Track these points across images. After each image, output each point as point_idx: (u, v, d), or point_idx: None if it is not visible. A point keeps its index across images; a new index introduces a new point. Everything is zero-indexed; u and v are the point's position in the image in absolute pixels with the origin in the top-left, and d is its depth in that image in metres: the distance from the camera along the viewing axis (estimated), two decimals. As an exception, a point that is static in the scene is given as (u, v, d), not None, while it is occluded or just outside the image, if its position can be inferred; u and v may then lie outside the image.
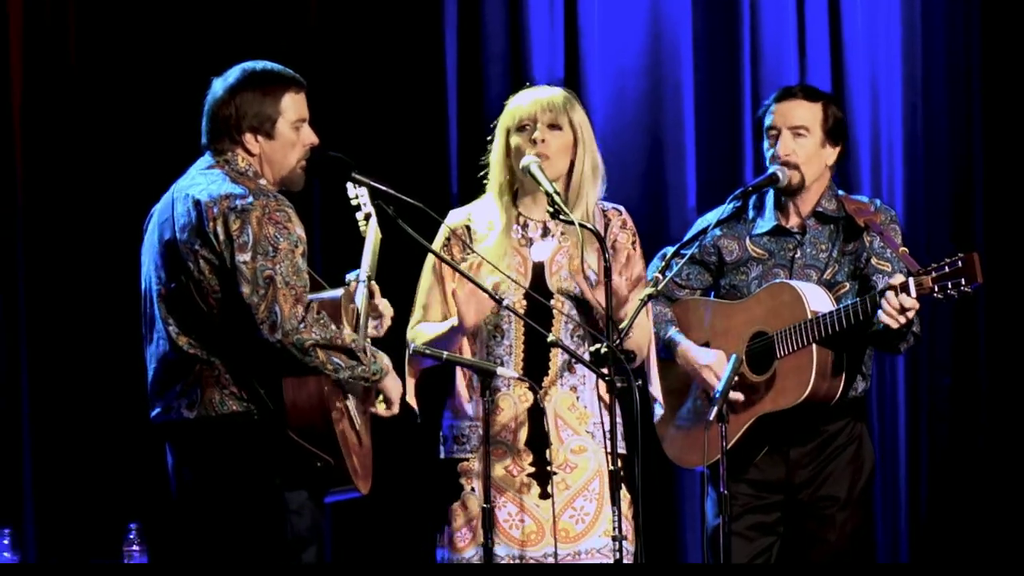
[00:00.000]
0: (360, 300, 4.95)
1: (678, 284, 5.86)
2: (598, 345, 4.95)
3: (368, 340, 4.93)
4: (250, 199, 4.68)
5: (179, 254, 4.71)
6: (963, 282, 5.29)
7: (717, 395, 5.29)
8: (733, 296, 5.78)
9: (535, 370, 5.27)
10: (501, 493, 5.23)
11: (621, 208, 5.45)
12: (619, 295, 5.05)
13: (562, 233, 5.35)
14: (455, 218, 5.40)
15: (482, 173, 5.43)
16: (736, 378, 5.40)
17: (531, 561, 5.22)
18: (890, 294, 5.36)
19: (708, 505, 5.70)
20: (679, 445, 5.82)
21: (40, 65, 7.12)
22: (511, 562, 5.20)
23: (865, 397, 5.78)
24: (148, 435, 4.94)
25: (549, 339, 5.09)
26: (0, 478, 7.02)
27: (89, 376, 7.02)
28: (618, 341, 4.95)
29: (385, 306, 5.06)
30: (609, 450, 5.10)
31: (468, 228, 5.38)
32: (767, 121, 5.74)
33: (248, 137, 4.81)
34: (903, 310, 5.36)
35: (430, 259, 5.33)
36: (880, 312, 5.37)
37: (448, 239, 5.35)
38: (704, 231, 5.75)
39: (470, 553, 5.24)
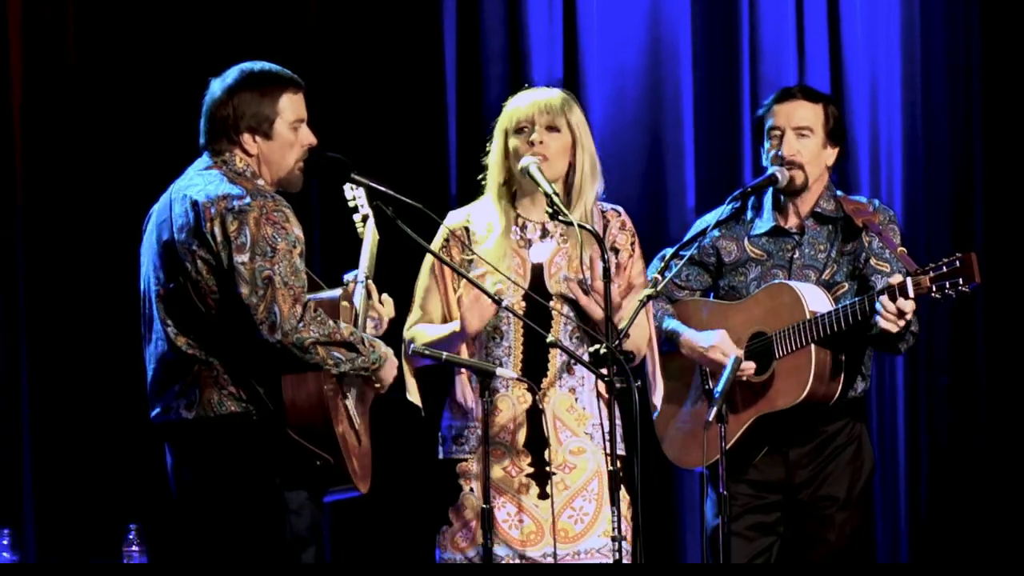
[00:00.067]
0: (358, 301, 4.95)
1: (677, 285, 5.86)
2: (597, 346, 4.95)
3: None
4: (247, 199, 4.68)
5: (177, 255, 4.71)
6: (961, 282, 5.29)
7: (717, 395, 5.29)
8: (732, 297, 5.78)
9: (534, 371, 5.27)
10: (500, 494, 5.23)
11: (620, 209, 5.45)
12: (612, 303, 5.04)
13: (561, 234, 5.35)
14: (454, 219, 5.40)
15: (481, 175, 5.43)
16: (737, 377, 5.41)
17: (530, 561, 5.22)
18: (886, 299, 5.35)
19: (707, 506, 5.70)
20: (678, 446, 5.82)
21: (40, 65, 7.13)
22: (510, 562, 5.20)
23: (865, 397, 5.77)
24: (148, 435, 4.95)
25: (549, 340, 5.09)
26: (0, 478, 7.02)
27: (89, 376, 7.03)
28: (617, 342, 4.95)
29: (387, 308, 5.05)
30: (608, 451, 5.10)
31: (467, 229, 5.38)
32: (769, 122, 5.73)
33: (246, 137, 4.81)
34: (900, 315, 5.36)
35: (428, 259, 5.33)
36: (877, 317, 5.37)
37: (447, 240, 5.35)
38: (703, 232, 5.75)
39: (469, 554, 5.24)
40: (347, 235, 5.16)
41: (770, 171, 5.71)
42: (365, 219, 5.09)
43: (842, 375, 5.57)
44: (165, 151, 6.02)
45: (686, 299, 5.85)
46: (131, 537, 6.12)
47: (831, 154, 5.76)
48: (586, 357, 5.08)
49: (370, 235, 5.07)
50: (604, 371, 4.92)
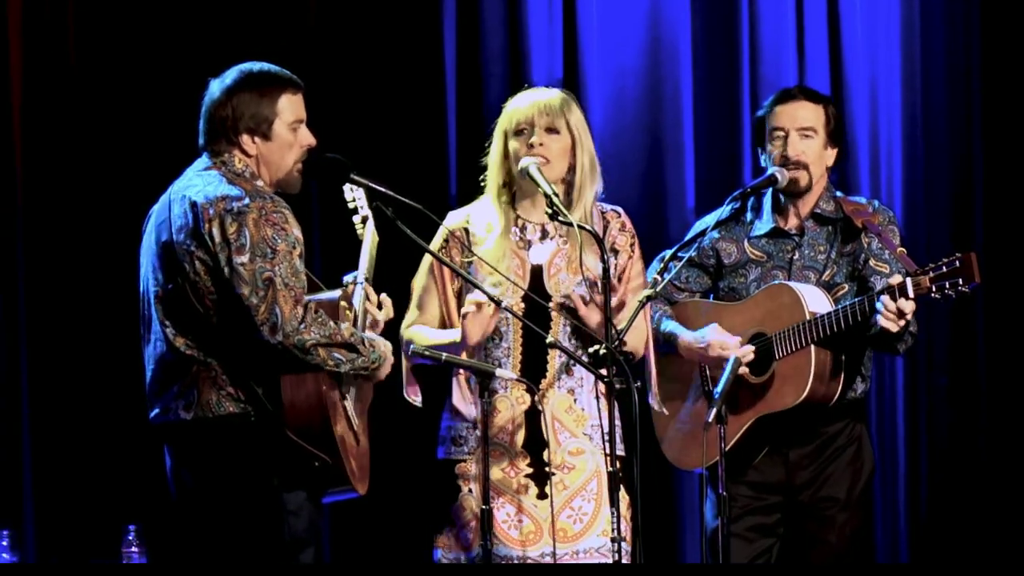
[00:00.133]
0: (358, 302, 4.95)
1: (677, 287, 5.85)
2: (597, 346, 4.95)
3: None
4: (246, 201, 4.68)
5: (176, 256, 4.71)
6: (961, 282, 5.28)
7: (716, 396, 5.29)
8: (732, 298, 5.77)
9: (533, 372, 5.27)
10: (499, 494, 5.23)
11: (620, 210, 5.45)
12: (602, 314, 5.04)
13: (561, 236, 5.35)
14: (453, 220, 5.40)
15: (481, 176, 5.42)
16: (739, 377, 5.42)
17: (530, 561, 5.22)
18: (887, 299, 5.35)
19: (707, 507, 5.69)
20: (678, 447, 5.81)
21: (40, 65, 7.13)
22: (510, 562, 5.20)
23: (865, 398, 5.77)
24: (147, 436, 4.94)
25: (548, 340, 5.09)
26: (0, 478, 7.02)
27: (88, 377, 7.03)
28: (616, 343, 4.95)
29: (387, 310, 5.05)
30: (607, 452, 5.10)
31: (466, 230, 5.38)
32: (771, 123, 5.73)
33: (245, 138, 4.80)
34: (901, 314, 5.35)
35: (427, 258, 5.33)
36: (877, 316, 5.37)
37: (446, 241, 5.35)
38: (702, 233, 5.75)
39: (469, 554, 5.24)
40: (347, 236, 5.15)
41: (770, 171, 5.70)
42: (365, 220, 5.08)
43: (842, 376, 5.56)
44: (164, 151, 6.02)
45: (685, 301, 5.84)
46: (130, 538, 6.12)
47: (831, 155, 5.76)
48: (585, 358, 5.08)
49: (370, 236, 5.06)
50: (603, 372, 4.92)
